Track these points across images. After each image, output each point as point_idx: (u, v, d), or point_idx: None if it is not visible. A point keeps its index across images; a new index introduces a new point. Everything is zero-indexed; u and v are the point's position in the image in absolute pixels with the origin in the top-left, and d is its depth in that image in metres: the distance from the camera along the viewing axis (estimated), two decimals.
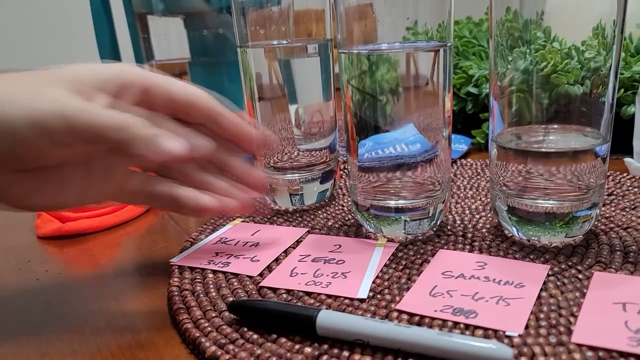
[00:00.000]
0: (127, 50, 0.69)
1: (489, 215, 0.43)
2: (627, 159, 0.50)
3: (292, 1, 0.45)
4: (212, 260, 0.38)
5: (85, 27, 0.72)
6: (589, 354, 0.26)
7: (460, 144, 0.61)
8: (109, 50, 0.65)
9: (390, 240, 0.39)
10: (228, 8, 0.59)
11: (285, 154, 0.48)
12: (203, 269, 0.37)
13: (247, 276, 0.36)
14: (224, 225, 0.45)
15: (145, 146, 0.30)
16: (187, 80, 0.66)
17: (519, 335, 0.27)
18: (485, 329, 0.28)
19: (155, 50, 0.66)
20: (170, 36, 0.64)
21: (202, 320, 0.31)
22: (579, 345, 0.26)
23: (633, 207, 0.42)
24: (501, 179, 0.37)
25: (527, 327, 0.28)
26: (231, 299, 0.33)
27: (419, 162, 0.39)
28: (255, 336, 0.29)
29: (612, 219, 0.40)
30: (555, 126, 0.37)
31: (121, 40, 0.70)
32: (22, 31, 1.76)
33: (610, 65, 0.34)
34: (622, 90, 0.55)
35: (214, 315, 0.32)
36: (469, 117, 0.66)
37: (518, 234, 0.37)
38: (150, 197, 0.36)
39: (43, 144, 0.29)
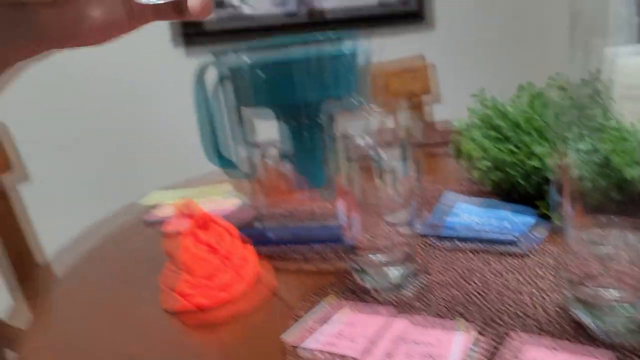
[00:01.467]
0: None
1: (559, 297, 0.48)
2: None
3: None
4: (318, 339, 0.45)
5: None
6: None
7: (526, 216, 0.66)
8: (210, 137, 0.75)
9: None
10: (319, 102, 0.65)
11: (377, 234, 0.54)
12: (312, 350, 0.45)
13: (352, 358, 0.43)
14: (320, 301, 0.52)
15: None
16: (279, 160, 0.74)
17: None
18: None
19: (250, 136, 0.76)
20: (264, 124, 0.73)
21: None
22: None
23: None
24: (572, 266, 0.42)
25: None
26: None
27: None
28: None
29: None
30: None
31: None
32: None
33: None
34: None
35: None
36: (532, 188, 0.71)
37: (588, 320, 0.42)
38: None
39: None
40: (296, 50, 0.66)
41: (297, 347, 0.45)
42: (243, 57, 0.69)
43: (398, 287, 0.54)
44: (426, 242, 0.65)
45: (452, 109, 1.17)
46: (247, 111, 0.73)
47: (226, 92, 0.73)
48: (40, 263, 1.04)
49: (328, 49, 0.67)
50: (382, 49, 0.84)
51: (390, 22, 2.17)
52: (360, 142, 0.52)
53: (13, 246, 1.02)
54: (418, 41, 2.17)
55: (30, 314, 0.62)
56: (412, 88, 1.55)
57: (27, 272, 1.01)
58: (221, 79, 0.73)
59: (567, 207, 0.42)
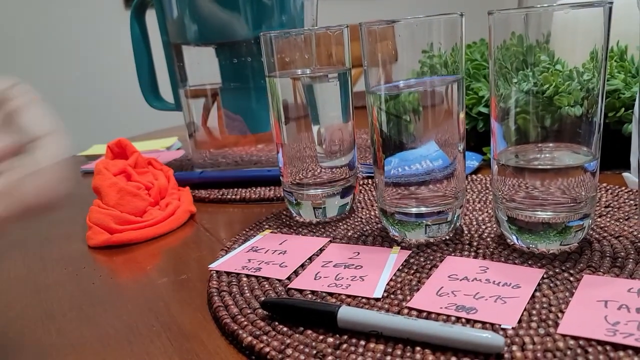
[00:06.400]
0: (164, 75, 0.75)
1: (494, 225, 0.47)
2: (625, 174, 0.54)
3: (314, 31, 0.51)
4: (246, 266, 0.43)
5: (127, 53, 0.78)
6: (571, 342, 0.30)
7: (472, 161, 0.65)
8: (147, 76, 0.72)
9: (404, 247, 0.44)
10: (257, 39, 0.65)
11: (309, 171, 0.53)
12: (238, 274, 0.42)
13: (277, 279, 0.41)
14: (255, 235, 0.50)
15: None
16: (219, 103, 0.72)
17: (513, 328, 0.32)
18: (484, 323, 0.33)
19: (189, 76, 0.72)
20: (203, 64, 0.70)
21: (239, 316, 0.36)
22: (564, 336, 0.30)
23: (627, 217, 0.46)
24: (502, 192, 0.42)
25: (520, 321, 0.32)
26: (263, 298, 0.38)
27: (441, 176, 0.43)
28: (285, 329, 0.34)
29: (606, 228, 0.44)
30: (550, 145, 0.41)
31: (158, 66, 0.76)
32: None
33: (600, 86, 0.39)
34: (623, 109, 0.59)
35: (249, 312, 0.36)
36: (480, 135, 0.70)
37: (518, 241, 0.42)
38: None
39: None
40: None
41: (222, 272, 0.43)
42: None
43: (333, 219, 0.52)
44: (370, 182, 0.63)
45: None
46: (187, 50, 0.70)
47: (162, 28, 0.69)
48: None
49: None
50: None
51: None
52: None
53: None
54: None
55: None
56: None
57: None
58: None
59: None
